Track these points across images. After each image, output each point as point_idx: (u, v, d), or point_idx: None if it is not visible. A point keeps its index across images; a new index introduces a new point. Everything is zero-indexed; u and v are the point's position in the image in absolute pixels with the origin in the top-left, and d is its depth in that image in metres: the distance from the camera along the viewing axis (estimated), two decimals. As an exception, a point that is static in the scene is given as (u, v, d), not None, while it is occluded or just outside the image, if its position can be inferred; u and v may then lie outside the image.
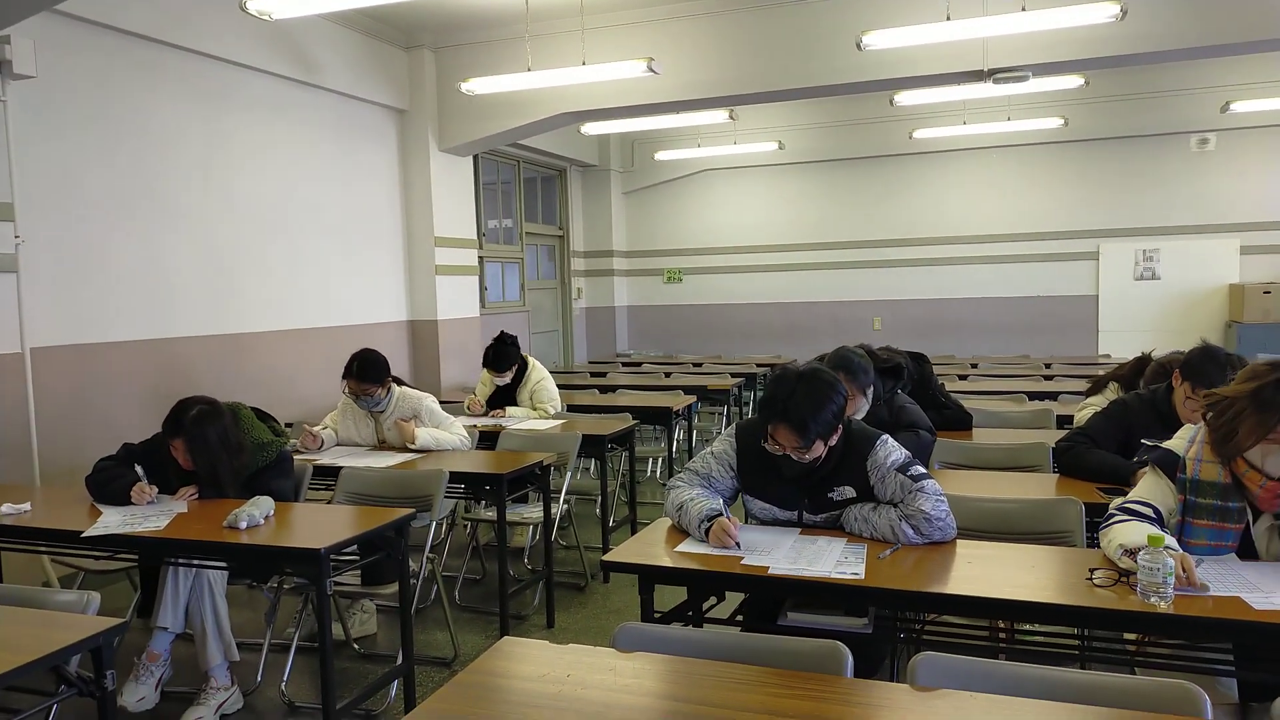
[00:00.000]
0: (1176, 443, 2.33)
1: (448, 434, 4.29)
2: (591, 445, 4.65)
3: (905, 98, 7.64)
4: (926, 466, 3.30)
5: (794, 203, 11.03)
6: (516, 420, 5.07)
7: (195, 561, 3.13)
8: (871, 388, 3.35)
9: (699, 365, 8.64)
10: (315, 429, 4.33)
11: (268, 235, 6.25)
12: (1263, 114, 8.80)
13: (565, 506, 4.60)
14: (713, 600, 2.52)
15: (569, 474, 4.51)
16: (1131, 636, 2.34)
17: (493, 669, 1.82)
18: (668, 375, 7.60)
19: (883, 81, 6.77)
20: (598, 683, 1.73)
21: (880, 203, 10.68)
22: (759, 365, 8.35)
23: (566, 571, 4.81)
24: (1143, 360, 3.79)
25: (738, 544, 2.41)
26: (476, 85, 6.15)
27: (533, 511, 4.45)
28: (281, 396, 6.19)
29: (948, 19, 5.53)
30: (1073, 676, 1.71)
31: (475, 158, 8.62)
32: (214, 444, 3.21)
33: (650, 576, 2.40)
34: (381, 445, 4.35)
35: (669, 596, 2.47)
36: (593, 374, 8.00)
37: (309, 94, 6.62)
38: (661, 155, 10.45)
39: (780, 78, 6.81)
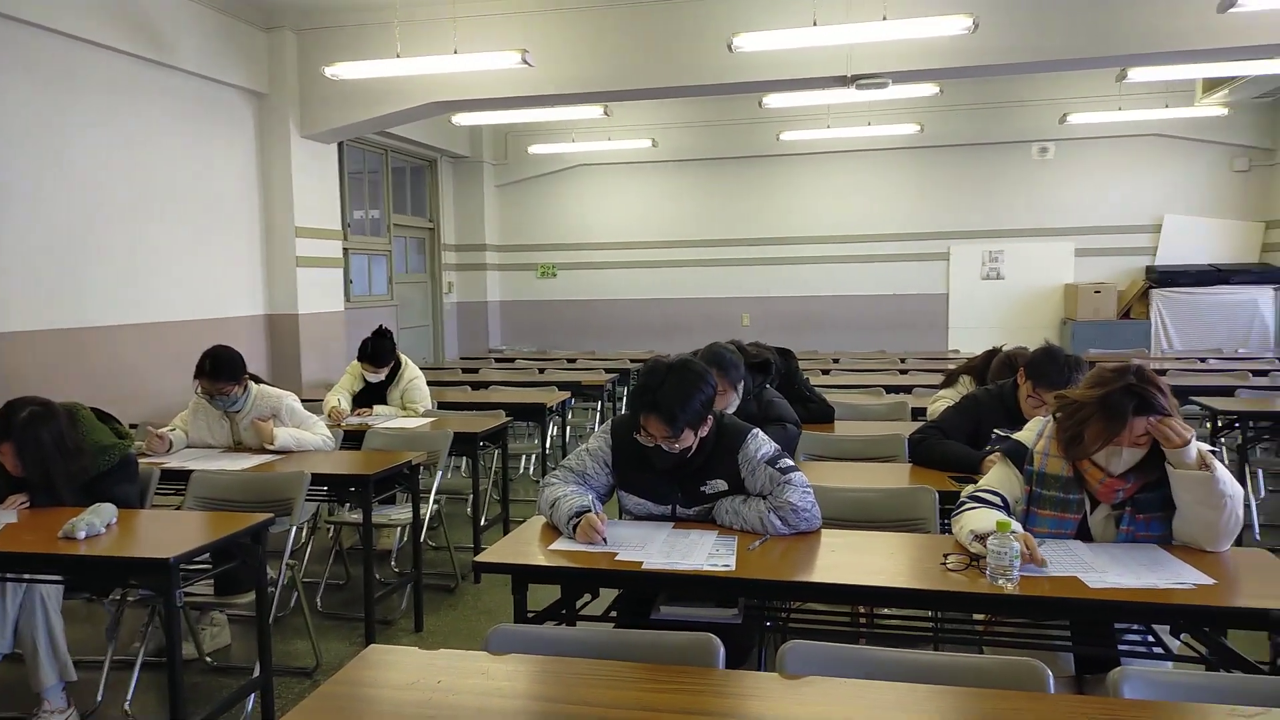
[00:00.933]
0: (1025, 435, 2.48)
1: (310, 434, 4.11)
2: (463, 443, 4.56)
3: (773, 100, 7.84)
4: (793, 459, 3.40)
5: (667, 200, 11.16)
6: (384, 419, 4.92)
7: (26, 576, 2.89)
8: (742, 383, 3.42)
9: (573, 361, 8.62)
10: (162, 430, 4.07)
11: (111, 223, 5.83)
12: (1096, 125, 9.50)
13: (435, 507, 4.50)
14: (587, 597, 2.52)
15: (439, 473, 4.41)
16: (980, 617, 2.49)
17: (359, 678, 1.75)
18: (541, 371, 7.55)
19: (752, 83, 6.94)
20: (470, 688, 1.70)
21: (749, 202, 10.94)
22: (633, 361, 8.41)
23: (436, 573, 4.71)
24: (991, 355, 4.02)
25: (604, 539, 2.42)
26: (342, 70, 5.93)
27: (401, 513, 4.33)
28: (126, 396, 5.80)
29: (814, 24, 5.71)
30: (928, 658, 1.79)
31: (340, 145, 8.32)
32: (48, 448, 2.97)
33: (523, 576, 2.38)
34: (237, 447, 4.13)
35: (542, 595, 2.44)
36: (464, 370, 7.85)
37: (158, 73, 6.21)
38: (535, 149, 10.36)
39: (653, 75, 6.87)
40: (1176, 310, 9.55)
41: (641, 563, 2.28)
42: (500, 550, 2.47)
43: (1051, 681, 1.63)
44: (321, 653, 3.73)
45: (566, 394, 6.06)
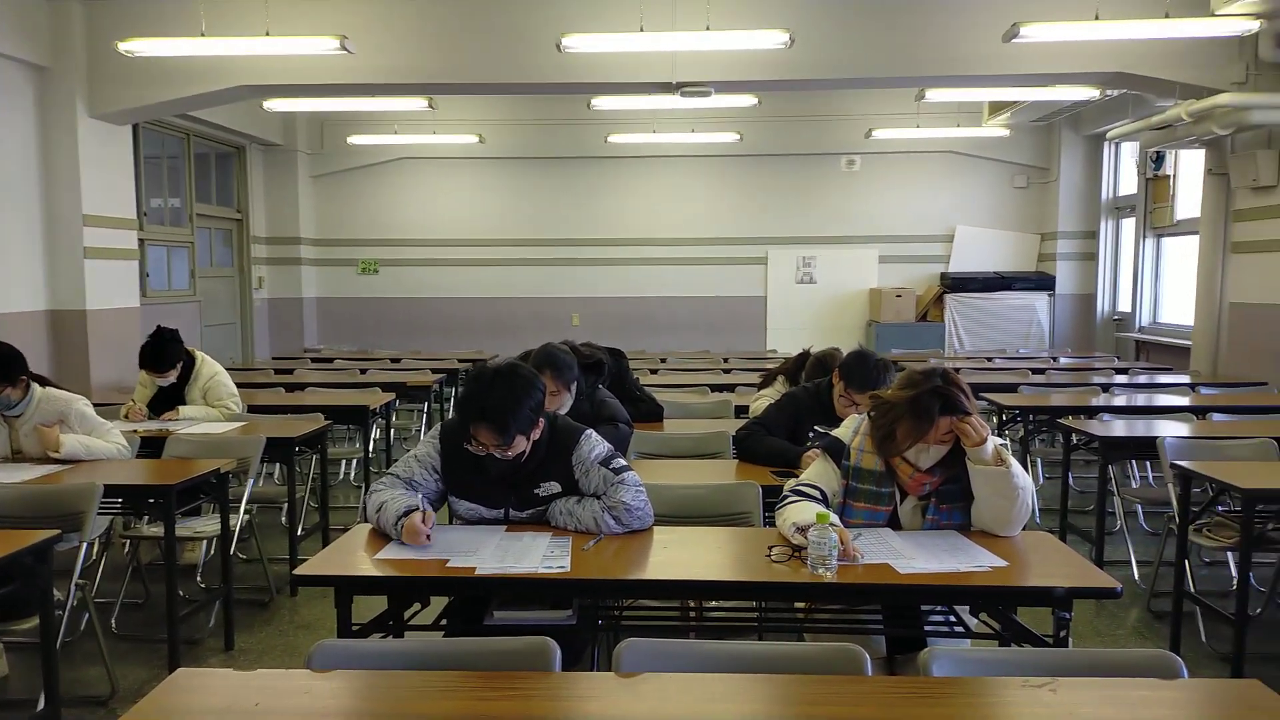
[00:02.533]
0: (843, 431, 2.62)
1: (102, 441, 3.75)
2: (277, 448, 4.30)
3: (601, 102, 7.91)
4: (625, 458, 3.44)
5: (496, 197, 11.02)
6: (192, 422, 4.56)
7: None
8: (575, 383, 3.42)
9: (397, 361, 8.34)
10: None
11: None
12: (897, 141, 10.20)
13: (246, 517, 4.22)
14: (416, 607, 2.44)
15: (251, 481, 4.15)
16: (801, 605, 2.61)
17: (165, 705, 1.62)
18: (363, 372, 7.25)
19: (580, 85, 6.97)
20: (290, 708, 1.60)
21: (578, 202, 10.98)
22: (461, 361, 8.24)
23: (248, 587, 4.42)
24: (803, 356, 4.22)
25: (429, 538, 2.36)
26: (138, 46, 5.47)
27: (207, 524, 4.03)
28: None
29: (641, 30, 5.81)
30: (755, 648, 1.86)
31: (135, 128, 7.66)
32: None
33: (348, 587, 2.27)
34: (16, 456, 3.71)
35: (367, 607, 2.34)
36: (278, 371, 7.43)
37: (-90, 35, 5.49)
38: (355, 139, 9.95)
39: (480, 70, 6.76)
40: (967, 313, 10.42)
41: (474, 568, 2.23)
42: (322, 561, 2.35)
43: (869, 664, 1.73)
44: (118, 679, 3.41)
45: (390, 395, 5.86)
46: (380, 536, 2.47)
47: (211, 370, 4.83)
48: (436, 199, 11.06)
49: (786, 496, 2.52)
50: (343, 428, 6.47)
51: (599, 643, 2.66)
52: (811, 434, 3.27)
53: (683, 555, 2.41)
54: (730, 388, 5.82)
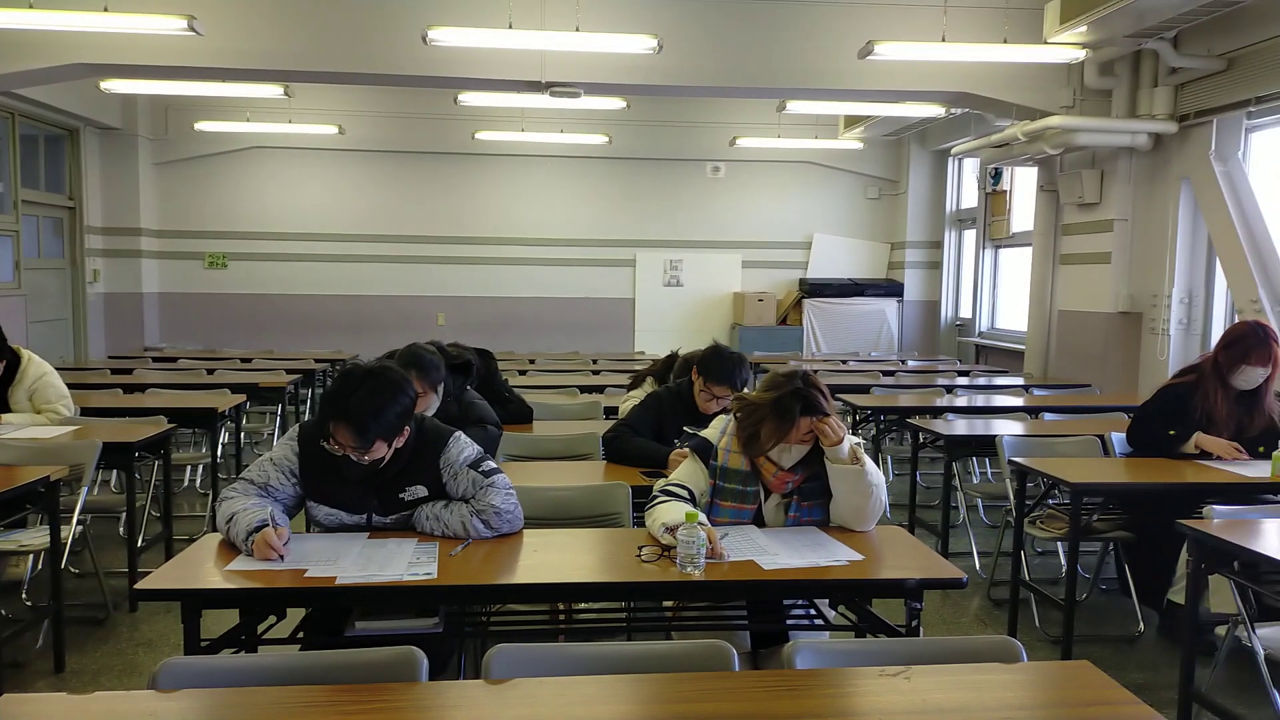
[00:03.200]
0: (711, 432, 2.68)
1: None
2: (115, 454, 4.00)
3: (469, 98, 7.79)
4: (495, 460, 3.39)
5: (357, 192, 10.65)
6: (15, 427, 4.19)
7: None
8: (443, 384, 3.35)
9: (248, 361, 7.93)
10: None
11: None
12: (760, 150, 10.51)
13: (79, 528, 3.91)
14: (271, 620, 2.33)
15: (85, 489, 3.84)
16: (669, 604, 2.65)
17: (-15, 739, 1.48)
18: (211, 372, 6.85)
19: (446, 79, 6.83)
20: (133, 733, 1.50)
21: (445, 199, 10.76)
22: (319, 361, 7.92)
23: (81, 604, 4.09)
24: (671, 358, 4.29)
25: (281, 557, 2.24)
26: (-49, 14, 4.98)
27: (35, 536, 3.71)
28: None
29: (510, 27, 5.75)
30: (625, 649, 1.88)
31: (-52, 103, 6.98)
32: None
33: (196, 601, 2.14)
34: None
35: (216, 622, 2.22)
36: (115, 371, 6.92)
37: None
38: (203, 126, 9.40)
39: (340, 59, 6.52)
40: (823, 318, 10.85)
41: (335, 578, 2.15)
42: (166, 574, 2.22)
43: (737, 659, 1.78)
44: (-76, 712, 3.09)
45: (241, 397, 5.56)
46: (232, 546, 2.34)
47: (39, 370, 4.44)
48: (292, 191, 10.59)
49: (656, 497, 2.55)
50: (188, 431, 6.10)
51: (467, 650, 2.61)
52: (681, 435, 3.32)
53: (552, 558, 2.40)
54: (600, 389, 5.84)
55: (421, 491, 2.53)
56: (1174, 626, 3.61)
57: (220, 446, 5.69)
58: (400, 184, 10.70)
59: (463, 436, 2.61)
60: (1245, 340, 3.68)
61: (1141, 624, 3.87)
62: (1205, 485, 3.47)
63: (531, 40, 5.93)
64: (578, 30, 5.78)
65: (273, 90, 7.53)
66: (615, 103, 8.17)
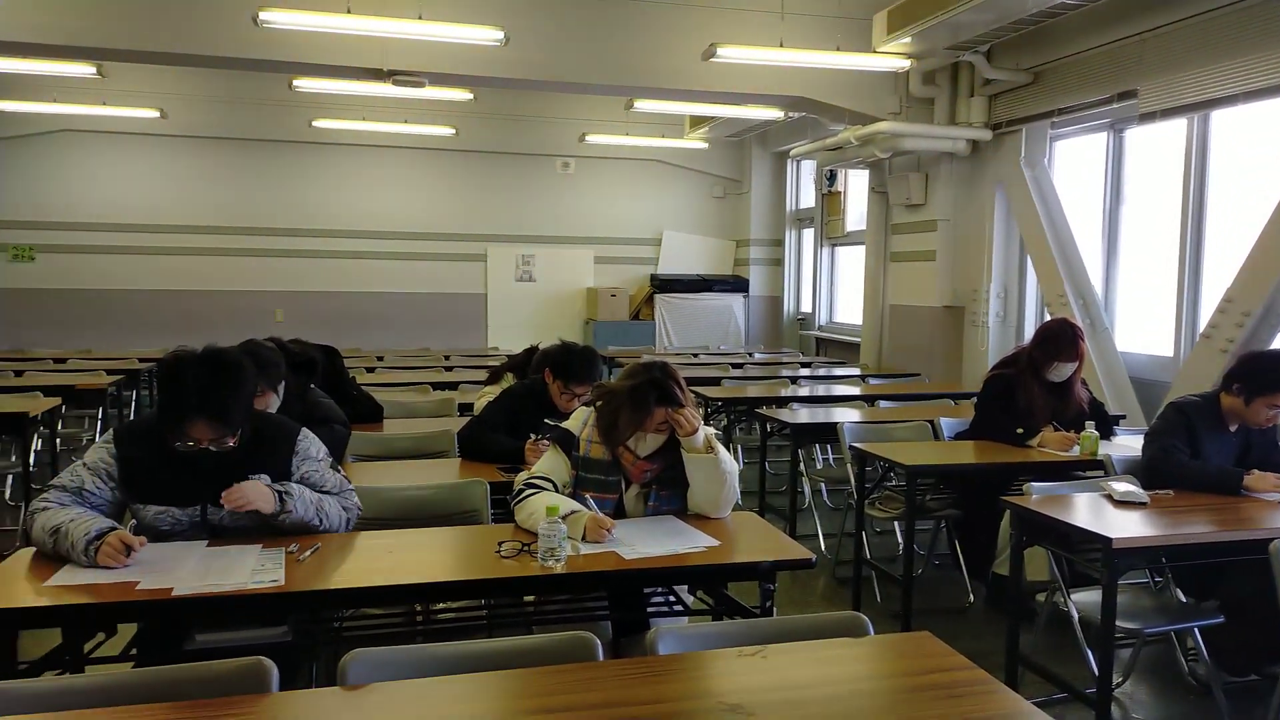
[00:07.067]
0: (573, 423, 2.69)
1: None
2: (-96, 466, 3.60)
3: (305, 84, 7.44)
4: (341, 460, 3.28)
5: (184, 180, 9.98)
6: None
7: None
8: (282, 383, 3.19)
9: (63, 361, 7.29)
10: None
11: None
12: (609, 147, 10.58)
13: None
14: (100, 637, 2.15)
15: None
16: (530, 599, 2.63)
17: None
18: (20, 374, 6.26)
19: (280, 63, 6.50)
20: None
21: (281, 189, 10.25)
22: (142, 361, 7.37)
23: None
24: (530, 352, 4.28)
25: (128, 563, 2.10)
26: None
27: None
28: None
29: (349, 12, 5.54)
30: (486, 646, 1.85)
31: None
32: None
33: (10, 621, 1.95)
34: None
35: (34, 642, 2.03)
36: (-98, 374, 6.21)
37: None
38: (2, 106, 8.55)
39: (160, 38, 6.08)
40: (674, 312, 11.06)
41: (171, 589, 2.01)
42: (-26, 594, 2.01)
43: (601, 649, 1.79)
44: None
45: (56, 400, 5.11)
46: (49, 560, 2.15)
47: None
48: (109, 178, 9.81)
49: (522, 490, 2.54)
50: (-7, 440, 5.55)
51: (320, 658, 2.50)
52: (538, 429, 3.30)
53: (408, 558, 2.34)
54: (453, 385, 5.73)
55: (266, 480, 2.40)
56: (999, 596, 3.91)
57: (33, 454, 5.20)
58: (231, 172, 10.11)
59: (307, 431, 2.52)
60: (1057, 339, 4.01)
61: (971, 595, 4.17)
62: (1024, 464, 3.77)
63: (372, 26, 5.74)
64: (420, 18, 5.63)
65: (84, 69, 6.94)
66: (462, 94, 8.02)
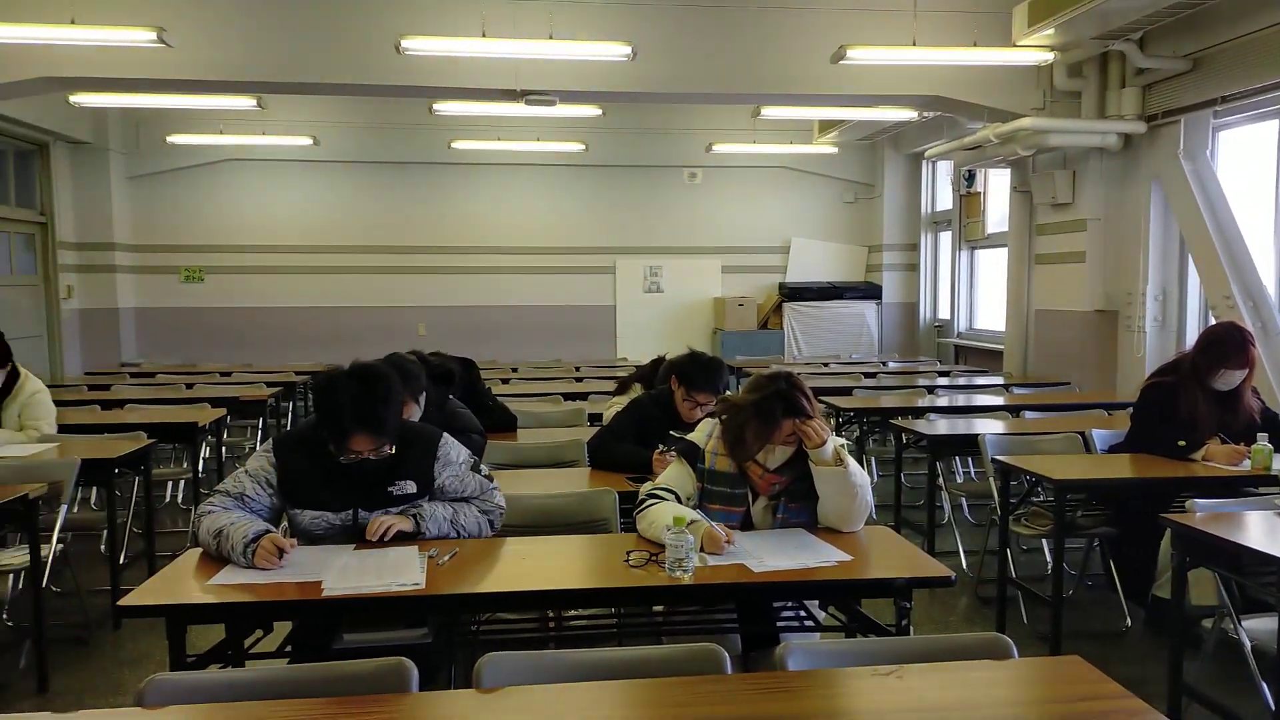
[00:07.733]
0: (698, 435, 2.68)
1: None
2: (95, 470, 3.95)
3: (444, 107, 7.76)
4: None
5: (333, 202, 10.59)
6: (-3, 445, 4.12)
7: None
8: (423, 394, 3.33)
9: (228, 375, 7.86)
10: None
11: None
12: (736, 156, 10.55)
13: (60, 546, 3.85)
14: (258, 634, 2.30)
15: (64, 507, 3.79)
16: (659, 608, 2.64)
17: (-32, 763, 1.45)
18: (190, 387, 6.78)
19: (421, 88, 6.81)
20: (120, 752, 1.47)
21: (423, 209, 10.72)
22: (298, 374, 7.85)
23: (64, 623, 4.03)
24: (657, 362, 4.29)
25: (282, 564, 2.23)
26: (-83, 29, 4.91)
27: (14, 556, 3.65)
28: None
29: (484, 36, 5.74)
30: (616, 654, 1.87)
31: (-85, 120, 6.88)
32: None
33: (180, 616, 2.11)
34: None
35: (201, 637, 2.19)
36: (92, 387, 6.84)
37: None
38: (175, 139, 9.31)
39: (313, 69, 6.47)
40: (804, 321, 10.88)
41: (321, 589, 2.13)
42: (150, 590, 2.18)
43: (729, 662, 1.77)
44: (-98, 737, 3.04)
45: (221, 411, 5.51)
46: (214, 560, 2.31)
47: (35, 388, 4.42)
48: (267, 203, 10.51)
49: (644, 500, 2.55)
50: (168, 447, 6.03)
51: (457, 660, 2.59)
52: (665, 440, 3.32)
53: (541, 565, 2.39)
54: (583, 396, 5.82)
55: (411, 487, 2.54)
56: (1160, 621, 3.65)
57: (201, 461, 5.63)
58: (377, 194, 10.65)
59: (449, 437, 2.63)
60: (1223, 344, 3.71)
61: (1129, 619, 3.90)
62: (1186, 479, 3.51)
63: (505, 48, 5.93)
64: (551, 38, 5.78)
65: (245, 102, 7.47)
66: (591, 110, 8.17)
